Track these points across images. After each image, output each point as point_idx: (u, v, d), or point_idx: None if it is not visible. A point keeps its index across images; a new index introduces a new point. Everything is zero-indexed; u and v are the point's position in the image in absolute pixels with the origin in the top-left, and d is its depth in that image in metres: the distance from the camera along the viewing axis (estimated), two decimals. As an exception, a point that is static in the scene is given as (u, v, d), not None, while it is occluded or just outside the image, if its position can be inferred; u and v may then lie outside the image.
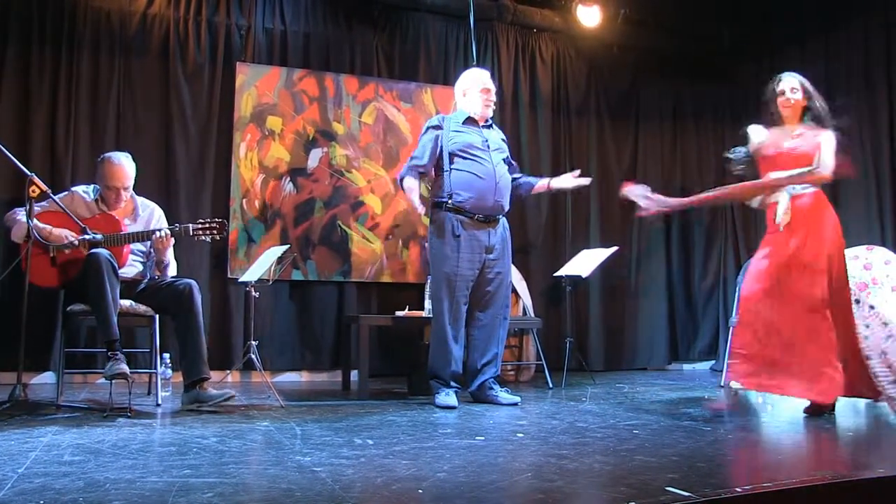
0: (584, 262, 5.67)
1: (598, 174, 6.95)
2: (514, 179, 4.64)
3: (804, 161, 3.88)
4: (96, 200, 4.26)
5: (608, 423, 3.61)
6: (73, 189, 4.32)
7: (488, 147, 4.47)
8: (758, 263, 3.94)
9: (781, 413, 4.17)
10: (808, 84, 4.03)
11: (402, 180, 4.51)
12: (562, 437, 3.17)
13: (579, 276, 5.62)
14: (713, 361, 7.02)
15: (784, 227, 3.88)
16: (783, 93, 4.03)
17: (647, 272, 7.07)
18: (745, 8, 6.71)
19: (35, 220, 3.92)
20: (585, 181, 4.66)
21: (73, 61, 5.45)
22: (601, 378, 6.00)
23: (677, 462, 2.58)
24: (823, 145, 3.86)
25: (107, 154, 4.31)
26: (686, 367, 7.08)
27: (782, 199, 3.92)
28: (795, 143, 3.93)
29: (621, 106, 7.16)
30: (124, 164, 4.26)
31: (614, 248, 5.76)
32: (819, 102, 3.99)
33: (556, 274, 5.84)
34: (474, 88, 4.56)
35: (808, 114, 4.00)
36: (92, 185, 4.35)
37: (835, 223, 3.93)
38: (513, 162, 4.71)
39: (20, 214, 3.94)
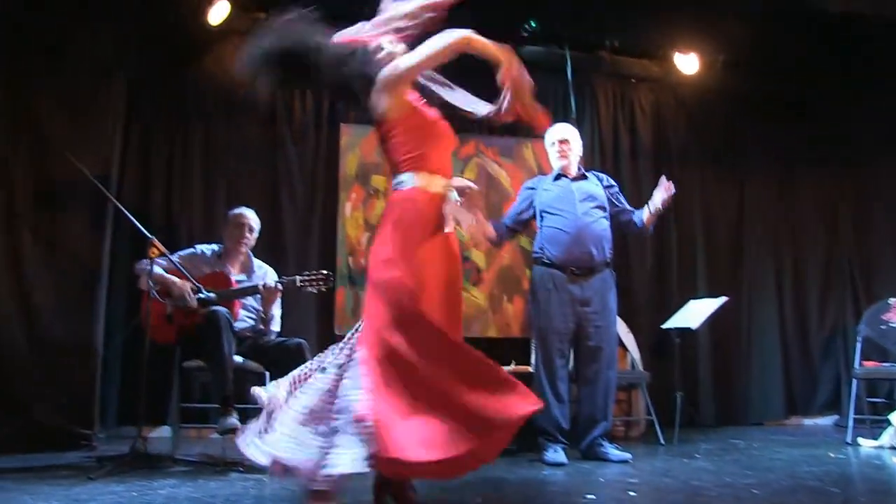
0: (693, 314, 5.53)
1: (703, 223, 6.82)
2: (628, 221, 4.64)
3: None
4: (219, 256, 4.53)
5: (724, 481, 3.49)
6: (197, 246, 4.61)
7: (575, 199, 4.47)
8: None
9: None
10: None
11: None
12: (676, 497, 3.08)
13: (688, 329, 5.49)
14: (836, 416, 6.68)
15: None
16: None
17: (758, 321, 6.83)
18: (852, 43, 6.48)
19: (162, 272, 4.21)
20: (667, 190, 4.51)
21: (189, 128, 5.75)
22: (714, 433, 5.80)
23: (803, 524, 2.45)
24: None
25: (236, 209, 4.68)
26: (807, 421, 6.75)
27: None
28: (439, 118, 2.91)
29: (725, 153, 7.02)
30: (251, 212, 4.67)
31: (724, 299, 5.58)
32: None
33: (663, 326, 5.71)
34: (549, 144, 4.73)
35: None
36: (214, 244, 4.63)
37: None
38: (624, 208, 4.68)
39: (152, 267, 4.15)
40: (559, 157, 4.65)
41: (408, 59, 2.68)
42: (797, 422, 6.73)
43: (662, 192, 4.50)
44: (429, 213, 2.70)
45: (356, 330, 2.68)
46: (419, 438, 2.39)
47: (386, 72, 2.67)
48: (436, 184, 2.73)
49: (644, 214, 4.58)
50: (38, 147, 4.86)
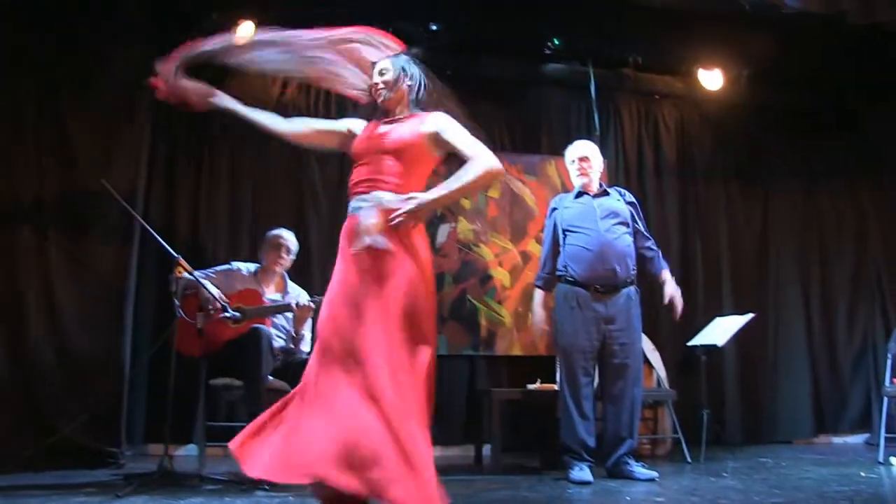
0: (719, 331, 5.49)
1: (728, 238, 6.79)
2: (647, 250, 4.60)
3: (400, 154, 2.77)
4: (254, 274, 4.57)
5: (752, 500, 3.45)
6: (233, 263, 4.65)
7: (597, 216, 4.46)
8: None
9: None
10: (408, 65, 2.95)
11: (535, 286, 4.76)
12: (704, 516, 3.05)
13: (714, 346, 5.45)
14: (867, 435, 6.57)
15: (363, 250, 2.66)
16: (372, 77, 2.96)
17: (785, 337, 6.76)
18: (874, 53, 6.40)
19: (197, 276, 4.24)
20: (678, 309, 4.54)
21: (214, 148, 5.79)
22: (742, 451, 5.74)
23: (833, 545, 2.42)
24: (445, 129, 2.81)
25: (274, 230, 4.70)
26: (836, 440, 6.66)
27: (368, 211, 2.70)
28: (388, 128, 2.85)
29: (749, 167, 6.99)
30: (289, 233, 4.69)
31: (750, 315, 5.54)
32: (421, 82, 2.95)
33: (689, 343, 5.67)
34: (569, 162, 4.73)
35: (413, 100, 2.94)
36: (251, 263, 4.68)
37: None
38: (640, 230, 4.64)
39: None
40: (579, 174, 4.64)
41: None
42: (826, 440, 6.65)
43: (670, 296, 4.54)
44: (345, 236, 2.78)
45: None
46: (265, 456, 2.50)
47: None
48: (353, 206, 2.79)
49: (659, 276, 4.60)
50: (67, 165, 4.94)
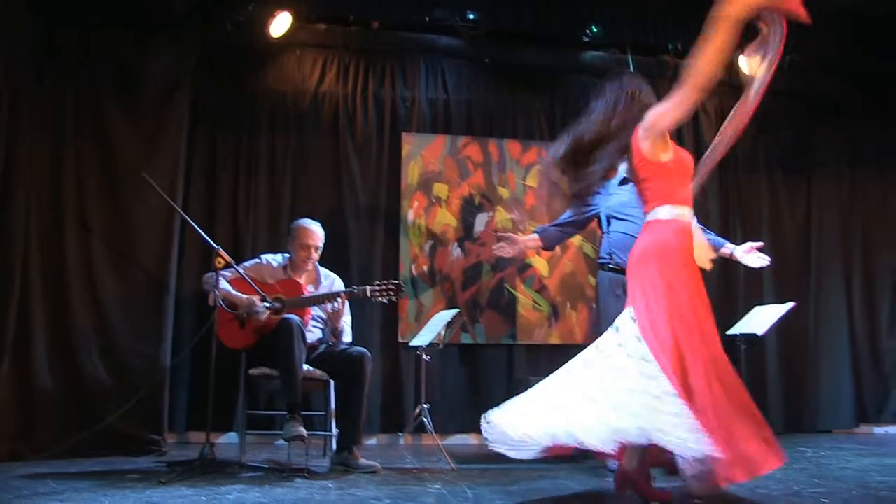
0: (759, 320, 5.44)
1: (770, 229, 6.70)
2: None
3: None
4: (284, 267, 4.57)
5: (791, 490, 3.44)
6: (262, 256, 4.68)
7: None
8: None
9: None
10: None
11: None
12: (742, 506, 3.04)
13: (754, 335, 5.40)
14: (910, 424, 6.48)
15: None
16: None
17: (827, 327, 6.67)
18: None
19: (228, 287, 4.31)
20: (765, 261, 4.46)
21: (253, 140, 5.83)
22: (781, 441, 5.65)
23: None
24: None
25: (300, 220, 4.68)
26: (878, 430, 6.57)
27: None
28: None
29: (793, 156, 6.88)
30: (316, 228, 4.63)
31: (791, 304, 5.49)
32: None
33: (729, 332, 5.63)
34: None
35: None
36: (280, 254, 4.68)
37: None
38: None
39: (219, 281, 4.27)
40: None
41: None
42: (867, 430, 6.55)
43: (754, 259, 4.48)
44: (687, 241, 3.10)
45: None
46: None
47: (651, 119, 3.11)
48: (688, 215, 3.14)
49: (720, 249, 4.52)
50: (109, 160, 5.04)
